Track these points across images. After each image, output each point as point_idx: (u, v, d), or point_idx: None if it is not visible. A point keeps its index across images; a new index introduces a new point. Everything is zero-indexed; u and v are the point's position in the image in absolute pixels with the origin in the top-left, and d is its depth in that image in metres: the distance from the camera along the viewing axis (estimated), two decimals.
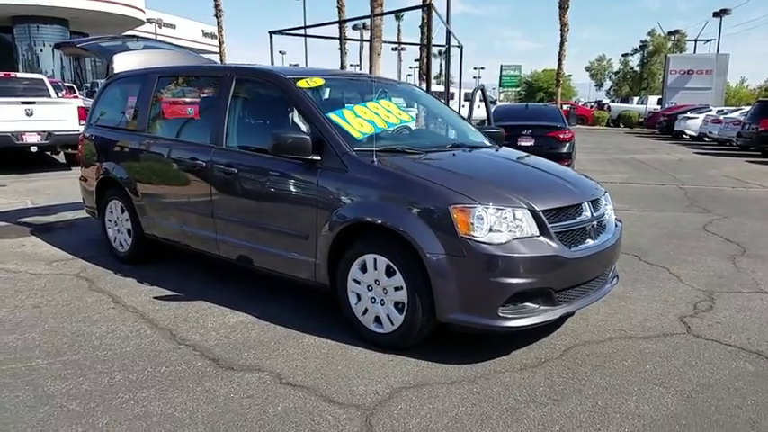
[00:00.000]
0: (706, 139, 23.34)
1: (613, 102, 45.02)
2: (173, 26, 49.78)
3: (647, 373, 3.16)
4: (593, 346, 3.48)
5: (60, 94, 14.25)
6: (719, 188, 10.40)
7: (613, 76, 66.68)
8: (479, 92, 9.24)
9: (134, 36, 6.06)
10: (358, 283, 3.43)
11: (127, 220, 5.03)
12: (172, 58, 5.79)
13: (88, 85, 27.98)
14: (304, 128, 3.75)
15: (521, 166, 4.01)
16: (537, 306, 3.12)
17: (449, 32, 10.31)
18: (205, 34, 53.73)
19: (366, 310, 3.43)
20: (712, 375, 3.14)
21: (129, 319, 3.84)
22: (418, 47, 19.67)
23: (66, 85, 22.51)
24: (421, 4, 16.44)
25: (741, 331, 3.74)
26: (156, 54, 5.77)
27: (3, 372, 3.07)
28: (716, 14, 38.91)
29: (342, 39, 11.46)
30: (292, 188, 3.70)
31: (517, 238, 3.05)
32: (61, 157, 12.16)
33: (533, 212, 3.12)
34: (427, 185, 3.20)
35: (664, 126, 27.76)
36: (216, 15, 38.76)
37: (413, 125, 4.41)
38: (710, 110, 25.12)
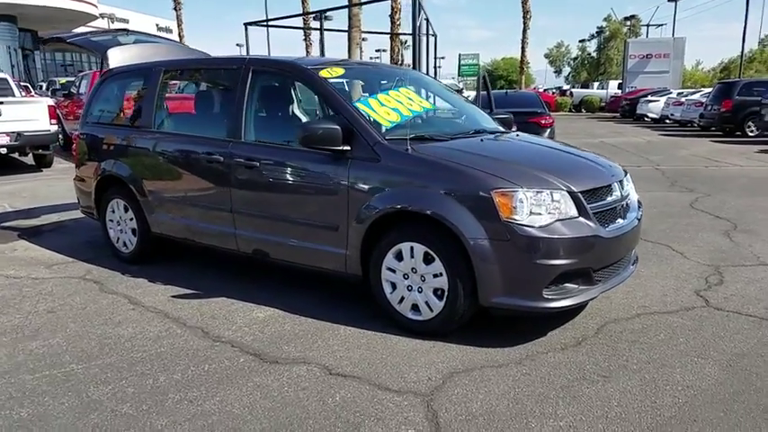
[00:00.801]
0: (668, 121, 24.03)
1: (574, 87, 45.85)
2: (126, 21, 48.45)
3: (681, 345, 3.25)
4: (624, 323, 3.56)
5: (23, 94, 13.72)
6: (694, 168, 10.72)
7: (572, 62, 67.77)
8: (482, 78, 9.32)
9: (125, 30, 5.88)
10: (393, 271, 3.43)
11: (131, 219, 4.90)
12: (167, 51, 5.64)
13: (43, 84, 26.90)
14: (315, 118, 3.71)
15: (548, 149, 4.06)
16: (576, 286, 3.17)
17: (427, 20, 10.29)
18: (159, 28, 52.51)
19: (402, 299, 3.43)
20: (743, 345, 3.25)
21: (153, 319, 3.75)
22: (389, 35, 19.55)
23: (22, 84, 21.67)
24: None
25: (757, 302, 3.88)
26: (151, 48, 5.62)
27: (39, 379, 2.97)
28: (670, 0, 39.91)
29: (322, 29, 11.27)
30: (320, 179, 3.66)
31: (558, 220, 3.09)
32: (29, 159, 11.74)
33: (572, 194, 3.16)
34: (466, 171, 3.21)
35: (626, 110, 28.42)
36: (175, 8, 37.85)
37: (431, 113, 4.40)
38: (671, 93, 25.83)
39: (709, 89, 22.22)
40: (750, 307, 3.80)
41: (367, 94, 3.87)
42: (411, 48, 9.08)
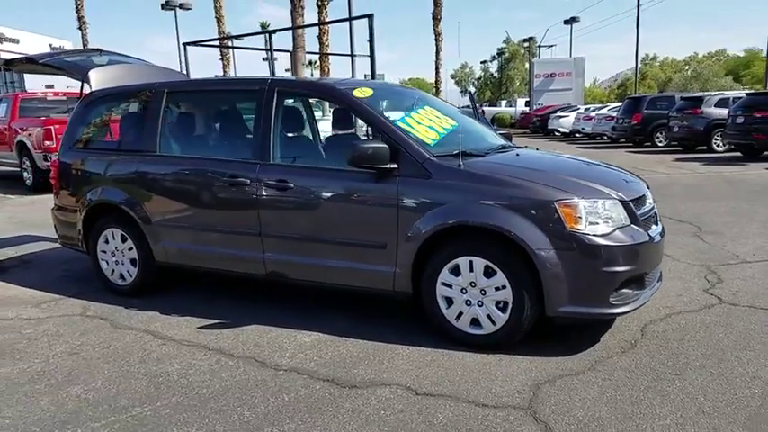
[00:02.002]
0: (578, 135, 25.54)
1: (483, 106, 47.72)
2: (16, 41, 45.39)
3: (723, 341, 3.48)
4: (661, 324, 3.76)
5: None
6: None
7: (476, 82, 70.51)
8: (470, 97, 9.53)
9: (97, 49, 5.54)
10: (449, 286, 3.45)
11: (130, 249, 4.61)
12: (149, 72, 5.39)
13: None
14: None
15: (580, 162, 4.22)
16: (632, 291, 3.33)
17: (371, 44, 10.41)
18: (53, 48, 49.60)
19: (460, 314, 3.45)
20: None
21: (194, 353, 3.54)
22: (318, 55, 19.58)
23: None
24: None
25: (763, 296, 4.22)
26: (131, 68, 5.35)
27: (110, 427, 2.73)
28: (566, 22, 42.65)
29: (271, 49, 11.09)
30: (365, 198, 3.64)
31: (618, 228, 3.24)
32: None
33: (623, 202, 3.33)
34: (525, 184, 3.30)
35: (537, 125, 29.92)
36: (79, 28, 35.89)
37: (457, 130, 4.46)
38: (579, 108, 27.52)
39: (616, 104, 23.89)
40: (760, 301, 4.13)
41: (402, 114, 3.88)
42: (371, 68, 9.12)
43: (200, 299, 4.57)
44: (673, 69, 65.34)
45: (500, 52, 64.47)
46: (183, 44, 11.11)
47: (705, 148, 16.40)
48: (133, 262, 4.63)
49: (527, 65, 63.18)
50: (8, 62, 5.72)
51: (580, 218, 3.16)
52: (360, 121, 4.17)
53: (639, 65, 65.92)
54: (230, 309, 4.29)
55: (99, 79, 5.01)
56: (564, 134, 26.90)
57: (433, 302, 3.52)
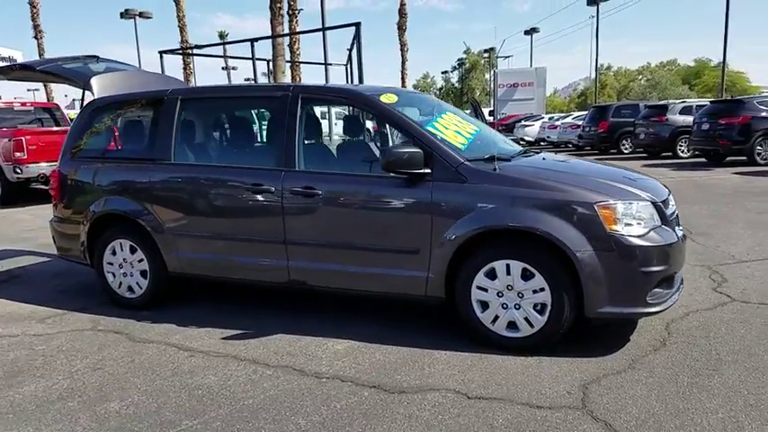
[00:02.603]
0: (543, 143, 26.06)
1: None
2: None
3: (747, 336, 3.59)
4: (683, 323, 3.86)
5: None
6: None
7: (438, 92, 71.30)
8: (472, 105, 9.62)
9: (94, 56, 5.38)
10: (485, 290, 3.47)
11: (140, 260, 4.48)
12: (148, 80, 5.28)
13: None
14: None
15: (605, 166, 4.30)
16: (663, 291, 3.41)
17: (359, 53, 10.44)
18: (1, 58, 47.93)
19: (497, 317, 3.47)
20: None
21: (228, 364, 3.46)
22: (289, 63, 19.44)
23: None
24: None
25: None
26: (133, 76, 5.23)
27: None
28: (527, 32, 43.61)
29: (254, 58, 10.97)
30: (397, 204, 3.63)
31: (652, 229, 3.32)
32: None
33: (654, 204, 3.42)
34: (563, 187, 3.35)
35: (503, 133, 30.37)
36: (35, 36, 34.80)
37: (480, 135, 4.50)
38: (543, 117, 28.11)
39: (580, 113, 24.50)
40: None
41: (428, 119, 3.90)
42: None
43: (210, 309, 4.48)
44: (627, 79, 67.44)
45: (461, 62, 65.47)
46: (159, 52, 10.91)
47: (670, 154, 16.95)
48: (143, 274, 4.50)
49: (487, 75, 64.48)
50: (0, 70, 5.50)
51: (618, 219, 3.23)
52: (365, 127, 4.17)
53: (595, 74, 67.95)
54: (247, 318, 4.21)
55: (101, 87, 4.87)
56: (529, 143, 27.38)
57: (467, 307, 3.52)
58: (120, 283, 4.61)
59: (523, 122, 28.44)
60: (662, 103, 19.48)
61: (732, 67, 52.06)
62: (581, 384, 3.03)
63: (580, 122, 21.63)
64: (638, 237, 3.25)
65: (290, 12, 19.81)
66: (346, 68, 14.85)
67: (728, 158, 14.66)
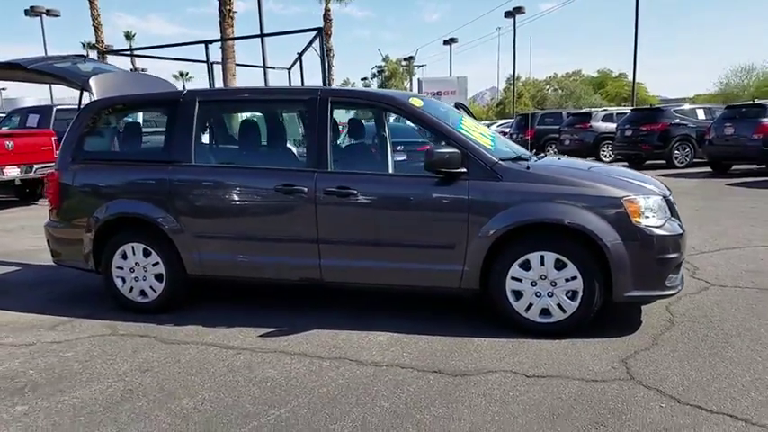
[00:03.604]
0: None
1: None
2: None
3: (738, 314, 4.06)
4: (679, 305, 4.28)
5: None
6: None
7: None
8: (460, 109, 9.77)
9: (82, 56, 5.22)
10: (519, 280, 3.75)
11: (155, 264, 4.43)
12: (144, 82, 5.22)
13: None
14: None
15: (608, 166, 4.69)
16: (675, 275, 3.82)
17: (322, 56, 10.55)
18: None
19: (530, 305, 3.76)
20: None
21: (280, 358, 3.54)
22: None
23: None
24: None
25: (739, 278, 4.94)
26: (129, 77, 5.15)
27: (265, 428, 2.72)
28: (446, 42, 44.97)
29: (208, 61, 10.71)
30: (434, 202, 3.84)
31: (666, 221, 3.73)
32: None
33: (664, 198, 3.83)
34: (593, 184, 3.69)
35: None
36: None
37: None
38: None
39: (504, 121, 25.64)
40: (742, 282, 4.83)
41: (455, 122, 4.14)
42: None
43: (228, 310, 4.50)
44: (535, 88, 70.83)
45: (380, 70, 66.35)
46: (102, 53, 10.53)
47: (594, 158, 18.09)
48: (158, 277, 4.45)
49: (406, 83, 65.76)
50: None
51: (642, 212, 3.61)
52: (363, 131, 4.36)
53: (504, 84, 70.87)
54: (273, 317, 4.27)
55: (100, 87, 4.78)
56: None
57: (502, 297, 3.79)
58: (132, 288, 4.53)
59: None
60: (585, 111, 20.77)
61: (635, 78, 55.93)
62: (620, 360, 3.37)
63: (506, 130, 22.66)
64: (657, 228, 3.64)
65: (223, 13, 19.55)
66: (289, 72, 14.87)
67: (648, 162, 15.89)
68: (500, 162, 3.80)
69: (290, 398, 3.02)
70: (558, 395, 2.97)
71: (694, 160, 15.13)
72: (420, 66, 59.39)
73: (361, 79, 75.96)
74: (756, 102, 13.56)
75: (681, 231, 3.77)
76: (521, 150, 4.56)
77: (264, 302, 4.67)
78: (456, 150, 3.71)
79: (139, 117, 4.70)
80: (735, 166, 13.91)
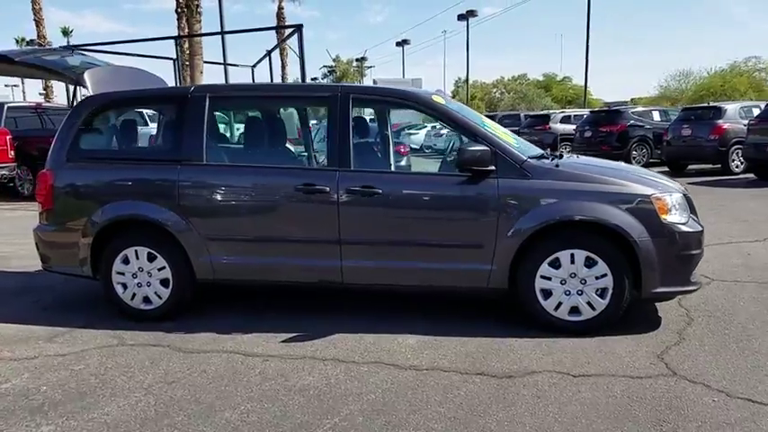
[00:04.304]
0: (427, 150, 27.21)
1: None
2: None
3: (748, 307, 4.17)
4: (689, 300, 4.35)
5: None
6: None
7: None
8: None
9: (69, 47, 4.91)
10: (548, 279, 3.74)
11: (161, 268, 4.21)
12: (137, 77, 4.96)
13: None
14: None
15: (625, 164, 4.72)
16: (696, 271, 3.90)
17: (301, 54, 10.36)
18: None
19: (560, 304, 3.75)
20: None
21: (314, 365, 3.41)
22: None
23: None
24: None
25: (735, 272, 5.10)
26: (122, 72, 4.89)
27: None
28: (398, 44, 45.16)
29: (178, 59, 10.33)
30: (463, 200, 3.79)
31: (689, 218, 3.79)
32: None
33: (685, 196, 3.90)
34: (622, 182, 3.72)
35: None
36: None
37: None
38: (427, 126, 29.32)
39: None
40: (739, 277, 4.99)
41: (479, 121, 4.11)
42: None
43: (236, 316, 4.32)
44: (483, 92, 72.01)
45: (331, 70, 66.07)
46: (71, 47, 10.00)
47: None
48: (164, 282, 4.23)
49: (356, 83, 65.68)
50: None
51: (669, 209, 3.66)
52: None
53: (452, 87, 71.84)
54: (288, 321, 4.12)
55: (96, 82, 4.52)
56: (414, 150, 28.42)
57: (531, 296, 3.77)
58: (134, 295, 4.28)
59: (407, 131, 29.45)
60: (543, 113, 21.21)
61: (576, 81, 57.77)
62: (655, 356, 3.40)
63: (443, 130, 22.87)
64: (682, 224, 3.70)
65: (179, 9, 19.02)
66: (252, 70, 14.60)
67: None
68: (529, 160, 3.78)
69: (340, 406, 2.91)
70: (610, 394, 2.96)
71: (651, 160, 15.66)
72: (369, 67, 59.56)
73: (312, 79, 75.45)
74: (712, 104, 14.14)
75: (701, 228, 3.84)
76: (538, 149, 4.57)
77: (272, 307, 4.51)
78: (487, 148, 3.68)
79: (144, 113, 4.43)
80: (690, 166, 14.48)
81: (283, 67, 35.72)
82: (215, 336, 3.94)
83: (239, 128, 4.54)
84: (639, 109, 16.60)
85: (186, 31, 18.83)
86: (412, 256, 3.88)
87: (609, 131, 15.51)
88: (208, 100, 4.13)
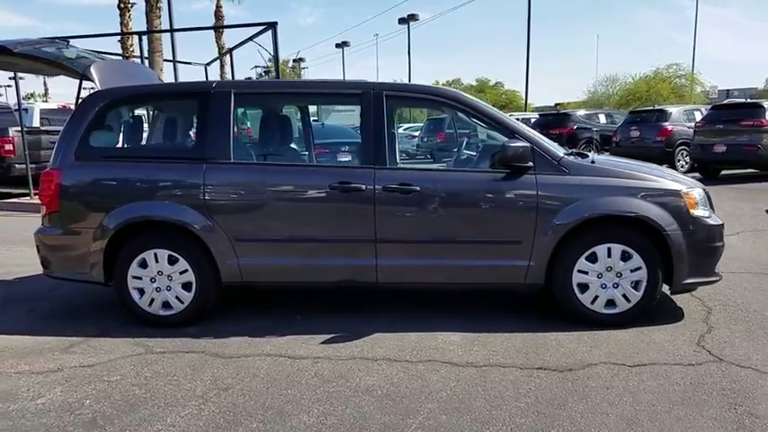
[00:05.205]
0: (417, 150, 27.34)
1: None
2: None
3: (761, 298, 4.38)
4: (702, 292, 4.48)
5: None
6: None
7: None
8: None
9: (64, 39, 4.60)
10: (585, 273, 3.83)
11: (183, 272, 4.02)
12: (140, 71, 4.74)
13: None
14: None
15: (647, 163, 4.85)
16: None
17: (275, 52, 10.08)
18: None
19: (596, 298, 3.85)
20: None
21: (368, 366, 3.35)
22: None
23: None
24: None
25: (743, 263, 5.35)
26: (125, 66, 4.66)
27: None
28: (338, 45, 45.09)
29: (142, 55, 9.83)
30: (500, 197, 3.82)
31: (710, 212, 3.98)
32: None
33: (705, 191, 4.09)
34: (654, 178, 3.86)
35: None
36: None
37: None
38: (401, 126, 29.44)
39: (413, 125, 26.21)
40: (733, 268, 5.24)
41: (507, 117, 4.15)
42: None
43: (259, 318, 4.21)
44: None
45: (266, 70, 65.13)
46: (66, 39, 9.40)
47: None
48: (186, 286, 4.04)
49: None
50: None
51: (697, 204, 3.82)
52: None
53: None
54: (320, 323, 4.04)
55: (103, 77, 4.27)
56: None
57: (568, 290, 3.85)
58: (152, 300, 4.07)
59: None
60: None
61: (509, 86, 59.44)
62: (695, 344, 3.54)
63: (415, 133, 23.11)
64: (708, 218, 3.88)
65: (122, 5, 18.30)
66: (205, 68, 14.16)
67: None
68: (566, 157, 3.86)
69: (416, 405, 2.87)
70: (672, 381, 3.06)
71: None
72: (304, 68, 59.07)
73: (246, 78, 74.13)
74: (657, 107, 14.87)
75: (721, 222, 4.03)
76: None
77: (292, 307, 4.39)
78: (527, 144, 3.72)
79: (161, 111, 4.21)
80: None
81: (222, 66, 34.78)
82: (248, 339, 3.80)
83: (261, 125, 4.37)
84: (586, 112, 17.23)
85: (129, 27, 18.15)
86: (448, 253, 3.88)
87: (558, 134, 16.02)
88: (233, 96, 3.98)
